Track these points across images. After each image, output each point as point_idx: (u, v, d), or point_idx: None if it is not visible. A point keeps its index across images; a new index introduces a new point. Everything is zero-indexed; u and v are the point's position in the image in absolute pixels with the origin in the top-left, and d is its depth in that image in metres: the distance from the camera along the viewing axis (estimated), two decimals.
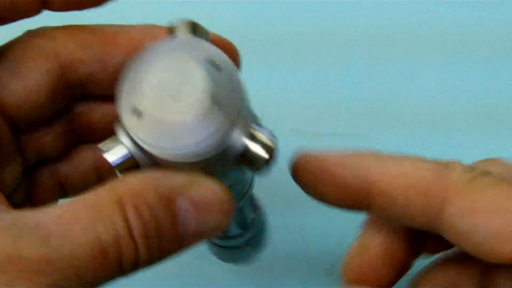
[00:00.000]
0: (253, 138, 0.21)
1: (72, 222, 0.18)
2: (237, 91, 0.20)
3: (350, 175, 0.22)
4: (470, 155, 0.38)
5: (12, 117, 0.23)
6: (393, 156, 0.22)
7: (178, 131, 0.20)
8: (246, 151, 0.21)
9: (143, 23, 0.25)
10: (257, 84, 0.40)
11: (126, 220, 0.19)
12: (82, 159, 0.27)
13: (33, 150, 0.25)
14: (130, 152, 0.21)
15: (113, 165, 0.21)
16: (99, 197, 0.19)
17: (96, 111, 0.26)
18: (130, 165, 0.21)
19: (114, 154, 0.21)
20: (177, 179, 0.20)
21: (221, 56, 0.21)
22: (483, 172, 0.21)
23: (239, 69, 0.25)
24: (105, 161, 0.25)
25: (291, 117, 0.40)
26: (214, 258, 0.33)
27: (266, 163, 0.21)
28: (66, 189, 0.27)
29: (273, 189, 0.37)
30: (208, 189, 0.20)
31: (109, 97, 0.24)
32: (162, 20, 0.25)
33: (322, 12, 0.42)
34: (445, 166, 0.21)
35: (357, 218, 0.24)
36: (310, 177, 0.23)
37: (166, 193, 0.20)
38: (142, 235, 0.19)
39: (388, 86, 0.40)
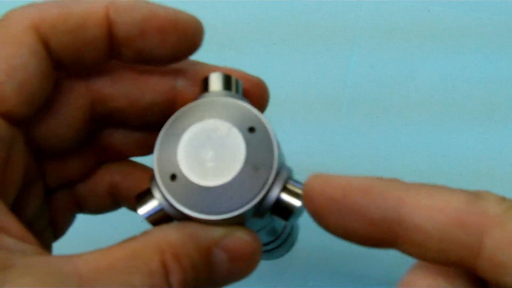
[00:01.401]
0: (285, 189, 0.21)
1: (109, 271, 0.19)
2: (272, 150, 0.21)
3: (379, 205, 0.19)
4: (472, 147, 0.38)
5: (39, 147, 0.24)
6: (420, 186, 0.20)
7: (216, 196, 0.21)
8: (279, 203, 0.21)
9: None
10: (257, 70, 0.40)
11: (165, 267, 0.20)
12: (99, 180, 0.27)
13: (56, 175, 0.26)
14: (161, 206, 0.22)
15: (144, 217, 0.22)
16: (137, 244, 0.20)
17: (120, 136, 0.26)
18: (161, 218, 0.22)
19: (145, 207, 0.22)
20: (214, 231, 0.21)
21: (258, 118, 0.22)
22: None
23: (267, 103, 0.26)
24: (121, 185, 0.26)
25: (292, 109, 0.40)
26: None
27: (298, 211, 0.22)
28: (82, 208, 0.28)
29: None
30: (242, 240, 0.21)
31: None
32: None
33: (324, 5, 0.42)
34: (477, 196, 0.19)
35: None
36: (329, 205, 0.19)
37: (205, 244, 0.21)
38: (180, 284, 0.20)
39: (390, 78, 0.40)
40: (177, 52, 0.23)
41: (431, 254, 0.19)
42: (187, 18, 0.23)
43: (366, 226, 0.19)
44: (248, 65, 0.40)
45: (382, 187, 0.19)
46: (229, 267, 0.21)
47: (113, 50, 0.23)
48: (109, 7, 0.22)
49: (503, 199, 0.20)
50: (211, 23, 0.40)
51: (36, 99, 0.21)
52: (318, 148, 0.39)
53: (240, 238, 0.21)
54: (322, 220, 0.20)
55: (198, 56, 0.39)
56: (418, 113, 0.39)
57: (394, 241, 0.20)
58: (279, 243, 0.30)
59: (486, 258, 0.19)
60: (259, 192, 0.21)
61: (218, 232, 0.21)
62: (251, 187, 0.21)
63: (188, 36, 0.23)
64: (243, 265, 0.22)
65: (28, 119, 0.22)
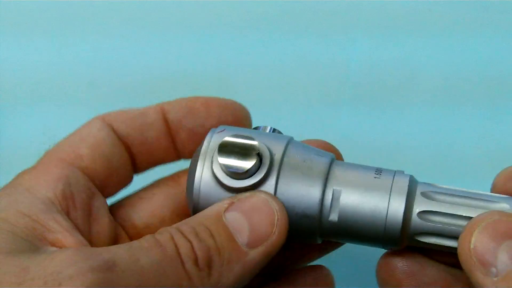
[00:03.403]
0: None
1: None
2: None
3: None
4: (478, 132, 0.38)
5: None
6: None
7: None
8: None
9: None
10: (261, 57, 0.40)
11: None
12: None
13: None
14: None
15: None
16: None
17: None
18: None
19: None
20: (220, 204, 0.22)
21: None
22: None
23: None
24: None
25: (297, 89, 0.40)
26: None
27: None
28: None
29: None
30: (254, 197, 0.22)
31: None
32: None
33: None
34: None
35: None
36: None
37: (210, 214, 0.22)
38: (194, 235, 0.21)
39: (394, 66, 0.40)
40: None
41: None
42: (231, 101, 0.27)
43: None
44: (250, 55, 0.40)
45: None
46: (248, 225, 0.21)
47: (170, 135, 0.27)
48: (163, 103, 0.27)
49: None
50: (217, 12, 0.40)
51: (108, 161, 0.26)
52: (321, 137, 0.39)
53: (252, 196, 0.22)
54: None
55: (204, 44, 0.39)
56: (422, 100, 0.40)
57: None
58: None
59: None
60: None
61: (224, 201, 0.22)
62: None
63: (229, 111, 0.27)
64: (263, 220, 0.22)
65: (107, 181, 0.26)
